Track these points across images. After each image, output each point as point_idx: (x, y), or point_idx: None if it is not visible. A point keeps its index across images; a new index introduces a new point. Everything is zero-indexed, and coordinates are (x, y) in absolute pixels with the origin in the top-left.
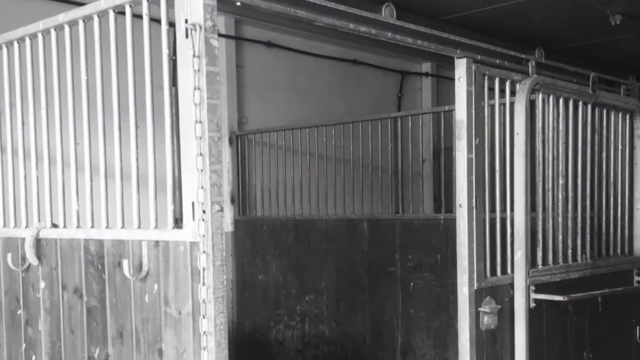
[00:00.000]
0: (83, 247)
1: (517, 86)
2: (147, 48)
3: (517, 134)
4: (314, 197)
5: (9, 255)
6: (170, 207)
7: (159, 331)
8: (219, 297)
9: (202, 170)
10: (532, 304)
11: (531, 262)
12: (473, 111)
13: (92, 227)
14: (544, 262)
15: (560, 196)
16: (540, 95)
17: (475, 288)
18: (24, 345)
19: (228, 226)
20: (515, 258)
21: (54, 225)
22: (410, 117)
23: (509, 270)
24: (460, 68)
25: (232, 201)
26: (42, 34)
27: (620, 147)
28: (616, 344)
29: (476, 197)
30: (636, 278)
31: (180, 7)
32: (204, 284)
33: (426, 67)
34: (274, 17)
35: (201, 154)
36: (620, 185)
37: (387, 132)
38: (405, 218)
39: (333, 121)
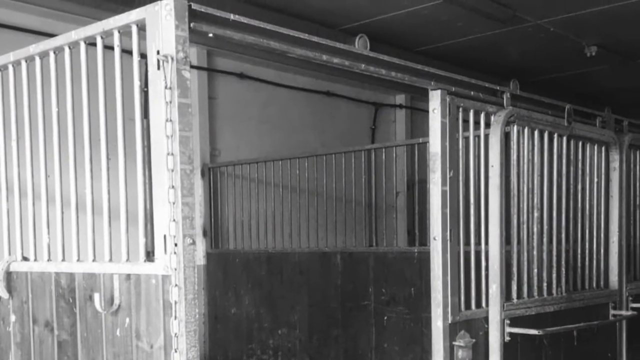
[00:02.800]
0: (54, 281)
1: (492, 118)
2: (118, 80)
3: (492, 166)
4: (287, 230)
5: None
6: (142, 240)
7: None
8: (191, 330)
9: (174, 203)
10: (507, 338)
11: (506, 295)
12: (447, 143)
13: (63, 260)
14: (519, 296)
15: (535, 229)
16: (515, 127)
17: (450, 322)
18: None
19: (200, 259)
20: (490, 291)
21: (25, 258)
22: (384, 149)
23: (483, 304)
24: (435, 100)
25: (204, 234)
26: (13, 65)
27: (595, 179)
28: None
29: (450, 230)
30: (612, 312)
31: (152, 39)
32: (176, 317)
33: (400, 98)
34: (246, 48)
35: (173, 187)
36: (596, 218)
37: (360, 164)
38: (379, 251)
39: (306, 153)
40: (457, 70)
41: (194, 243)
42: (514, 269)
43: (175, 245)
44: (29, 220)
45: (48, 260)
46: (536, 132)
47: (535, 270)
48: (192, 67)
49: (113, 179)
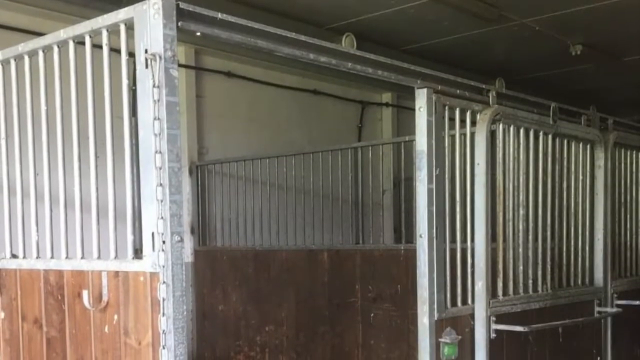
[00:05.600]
0: (43, 278)
1: (478, 116)
2: (107, 78)
3: (478, 164)
4: (274, 228)
5: None
6: (130, 238)
7: None
8: (179, 327)
9: (162, 201)
10: (493, 335)
11: (492, 292)
12: (433, 141)
13: (52, 257)
14: (505, 293)
15: (520, 226)
16: (501, 126)
17: (436, 318)
18: None
19: (188, 257)
20: (476, 288)
21: (14, 256)
22: (370, 148)
23: (469, 301)
24: (421, 98)
25: (192, 231)
26: (2, 64)
27: (580, 177)
28: None
29: (437, 228)
30: (597, 308)
31: (140, 38)
32: (164, 314)
33: (386, 97)
34: (234, 47)
35: (161, 185)
36: (581, 215)
37: (347, 162)
38: (365, 248)
39: (293, 151)
40: (443, 68)
41: (181, 240)
42: (500, 266)
43: (163, 242)
44: (17, 218)
45: (37, 258)
46: (522, 130)
47: (521, 268)
48: (179, 65)
49: (101, 176)
